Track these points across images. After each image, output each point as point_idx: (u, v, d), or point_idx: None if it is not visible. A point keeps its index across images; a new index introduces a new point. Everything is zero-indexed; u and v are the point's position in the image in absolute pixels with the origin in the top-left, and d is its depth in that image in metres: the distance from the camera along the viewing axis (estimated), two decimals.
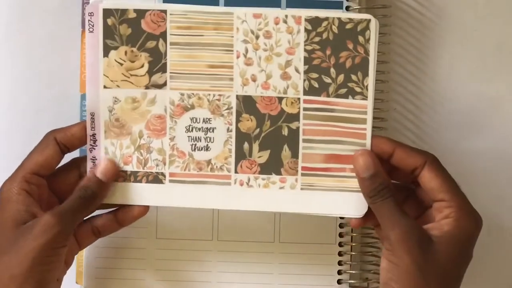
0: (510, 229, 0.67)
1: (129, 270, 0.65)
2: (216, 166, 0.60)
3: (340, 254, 0.65)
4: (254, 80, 0.59)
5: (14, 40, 0.67)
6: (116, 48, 0.59)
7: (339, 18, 0.58)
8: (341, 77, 0.59)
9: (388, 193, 0.56)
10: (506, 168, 0.66)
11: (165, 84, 0.59)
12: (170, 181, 0.60)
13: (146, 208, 0.60)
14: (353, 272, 0.65)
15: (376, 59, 0.58)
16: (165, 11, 0.59)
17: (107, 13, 0.58)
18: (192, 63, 0.59)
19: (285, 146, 0.59)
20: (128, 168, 0.60)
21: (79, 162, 0.60)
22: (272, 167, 0.59)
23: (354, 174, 0.58)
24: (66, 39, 0.66)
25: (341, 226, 0.65)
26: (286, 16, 0.58)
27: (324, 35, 0.58)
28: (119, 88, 0.59)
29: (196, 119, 0.60)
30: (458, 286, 0.55)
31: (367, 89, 0.58)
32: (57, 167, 0.59)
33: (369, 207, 0.58)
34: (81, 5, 0.64)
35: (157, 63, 0.59)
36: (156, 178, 0.60)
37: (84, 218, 0.60)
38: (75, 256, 0.61)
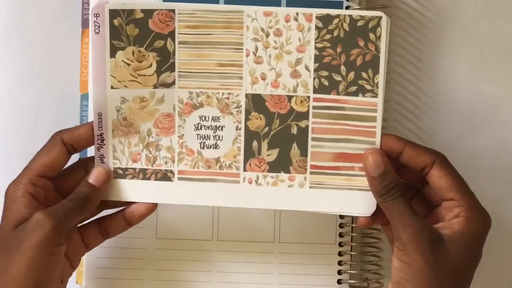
0: (511, 230, 0.68)
1: (129, 270, 0.66)
2: (225, 164, 0.59)
3: (340, 254, 0.66)
4: (263, 78, 0.58)
5: (14, 40, 0.67)
6: (123, 48, 0.58)
7: (350, 16, 0.57)
8: (351, 75, 0.58)
9: (399, 192, 0.56)
10: (507, 168, 0.67)
11: (173, 83, 0.59)
12: (179, 178, 0.60)
13: (154, 206, 0.60)
14: (353, 272, 0.66)
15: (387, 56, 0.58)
16: (173, 11, 0.58)
17: (114, 13, 0.57)
18: (201, 62, 0.58)
19: (294, 145, 0.59)
20: (137, 165, 0.60)
21: (86, 163, 0.60)
22: (281, 165, 0.59)
23: (363, 173, 0.58)
24: (66, 39, 0.65)
25: (341, 226, 0.66)
26: (297, 13, 0.58)
27: (335, 33, 0.58)
28: (127, 88, 0.58)
29: (205, 117, 0.59)
30: (469, 285, 0.56)
31: (377, 87, 0.58)
32: (64, 167, 0.59)
33: (378, 206, 0.58)
34: (81, 5, 0.63)
35: (166, 63, 0.58)
36: (165, 176, 0.60)
37: (82, 219, 0.59)
38: None
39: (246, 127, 0.59)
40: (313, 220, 0.65)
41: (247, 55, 0.58)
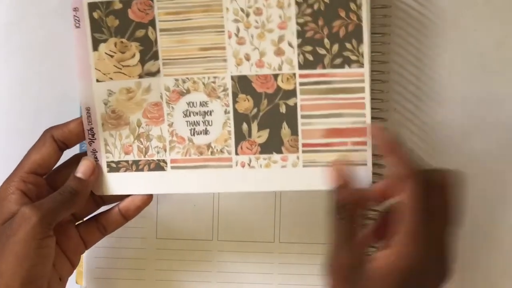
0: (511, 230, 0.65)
1: (129, 270, 0.65)
2: (217, 149, 0.59)
3: None
4: (247, 59, 0.58)
5: (14, 40, 0.67)
6: (105, 40, 0.58)
7: None
8: (335, 47, 0.57)
9: (344, 213, 0.54)
10: (506, 168, 0.64)
11: (158, 71, 0.59)
12: (172, 167, 0.59)
13: (149, 197, 0.60)
14: None
15: (370, 29, 0.57)
16: None
17: (93, 6, 0.58)
18: (184, 48, 0.58)
19: (284, 124, 0.58)
20: (130, 157, 0.60)
21: (79, 158, 0.59)
22: (272, 146, 0.58)
23: (356, 148, 0.57)
24: (66, 39, 0.65)
25: None
26: None
27: (315, 6, 0.57)
28: (112, 80, 0.59)
29: (193, 103, 0.59)
30: None
31: (362, 56, 0.57)
32: (57, 164, 0.59)
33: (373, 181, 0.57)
34: None
35: (149, 51, 0.58)
36: (158, 166, 0.59)
37: (78, 215, 0.60)
38: None
39: (235, 109, 0.58)
40: (313, 220, 0.64)
41: (229, 37, 0.58)
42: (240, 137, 0.59)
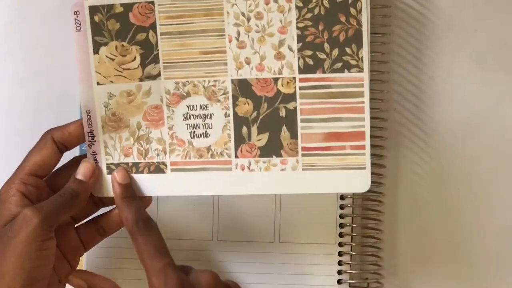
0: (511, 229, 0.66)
1: (129, 270, 0.65)
2: (216, 152, 0.59)
3: (340, 254, 0.65)
4: (248, 63, 0.58)
5: (14, 40, 0.67)
6: (106, 44, 0.58)
7: None
8: (335, 52, 0.57)
9: None
10: (506, 168, 0.65)
11: (159, 74, 0.59)
12: (172, 170, 0.60)
13: (149, 200, 0.60)
14: (353, 272, 0.65)
15: (370, 30, 0.57)
16: (152, 2, 0.58)
17: (94, 10, 0.58)
18: (185, 51, 0.58)
19: (284, 128, 0.58)
20: (129, 160, 0.60)
21: (79, 160, 0.60)
22: (272, 149, 0.59)
23: (355, 151, 0.57)
24: (66, 39, 0.65)
25: (341, 226, 0.65)
26: None
27: (316, 11, 0.57)
28: (113, 83, 0.59)
29: (193, 107, 0.59)
30: None
31: (362, 61, 0.57)
32: (57, 166, 0.59)
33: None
34: None
35: (149, 55, 0.58)
36: (158, 168, 0.60)
37: (77, 217, 0.60)
38: None
39: (235, 113, 0.59)
40: (313, 220, 0.64)
41: (230, 41, 0.58)
42: (240, 140, 0.59)
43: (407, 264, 0.66)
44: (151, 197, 0.60)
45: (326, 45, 0.57)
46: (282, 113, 0.58)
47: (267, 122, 0.58)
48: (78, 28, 0.58)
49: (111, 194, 0.60)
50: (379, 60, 0.64)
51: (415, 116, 0.65)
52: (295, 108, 0.58)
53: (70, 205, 0.57)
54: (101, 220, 0.60)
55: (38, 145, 0.59)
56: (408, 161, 0.65)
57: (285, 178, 0.59)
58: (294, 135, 0.58)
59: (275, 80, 0.58)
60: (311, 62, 0.58)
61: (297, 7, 0.57)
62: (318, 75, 0.58)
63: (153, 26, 0.58)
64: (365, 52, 0.57)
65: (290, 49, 0.58)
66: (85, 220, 0.61)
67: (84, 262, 0.65)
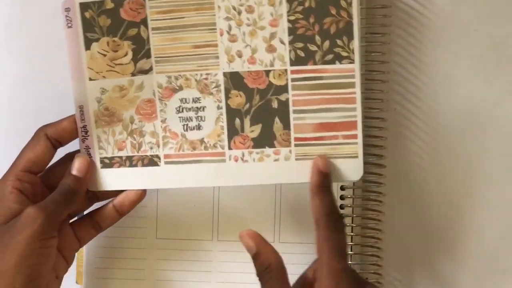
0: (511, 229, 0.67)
1: (129, 270, 0.66)
2: (210, 144, 0.60)
3: None
4: (239, 56, 0.59)
5: (14, 40, 0.67)
6: (97, 40, 0.58)
7: None
8: (326, 44, 0.58)
9: (268, 274, 0.56)
10: (506, 168, 0.66)
11: (151, 69, 0.59)
12: (165, 162, 0.60)
13: (143, 193, 0.61)
14: None
15: (360, 22, 0.58)
16: None
17: (84, 6, 0.58)
18: (176, 46, 0.59)
19: (276, 119, 0.59)
20: (123, 153, 0.60)
21: (73, 156, 0.60)
22: (265, 140, 0.60)
23: (347, 141, 0.59)
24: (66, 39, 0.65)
25: None
26: None
27: (306, 4, 0.58)
28: (105, 78, 0.59)
29: (186, 100, 0.60)
30: None
31: (353, 53, 0.58)
32: (51, 162, 0.59)
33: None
34: None
35: (141, 50, 0.59)
36: (151, 161, 0.60)
37: (72, 212, 0.60)
38: (76, 256, 0.61)
39: (227, 105, 0.59)
40: (313, 220, 0.65)
41: (221, 35, 0.58)
42: (233, 132, 0.60)
43: (407, 264, 0.66)
44: (145, 190, 0.61)
45: (317, 37, 0.58)
46: (275, 104, 0.59)
47: (259, 114, 0.59)
48: (69, 24, 0.58)
49: (106, 188, 0.60)
50: (379, 60, 0.64)
51: (415, 116, 0.66)
52: (287, 99, 0.59)
53: (69, 202, 0.57)
54: (96, 215, 0.61)
55: (32, 141, 0.59)
56: (408, 161, 0.66)
57: (278, 168, 0.60)
58: (286, 126, 0.59)
59: (267, 72, 0.59)
60: (302, 54, 0.58)
61: (287, 0, 0.58)
62: (310, 66, 0.59)
63: (144, 22, 0.58)
64: (356, 44, 0.58)
65: (282, 41, 0.58)
66: (79, 216, 0.62)
67: (84, 262, 0.65)
